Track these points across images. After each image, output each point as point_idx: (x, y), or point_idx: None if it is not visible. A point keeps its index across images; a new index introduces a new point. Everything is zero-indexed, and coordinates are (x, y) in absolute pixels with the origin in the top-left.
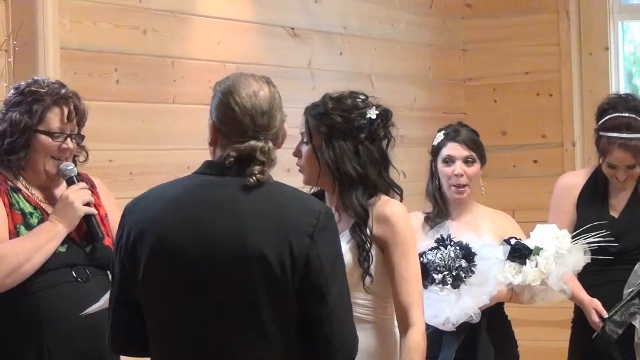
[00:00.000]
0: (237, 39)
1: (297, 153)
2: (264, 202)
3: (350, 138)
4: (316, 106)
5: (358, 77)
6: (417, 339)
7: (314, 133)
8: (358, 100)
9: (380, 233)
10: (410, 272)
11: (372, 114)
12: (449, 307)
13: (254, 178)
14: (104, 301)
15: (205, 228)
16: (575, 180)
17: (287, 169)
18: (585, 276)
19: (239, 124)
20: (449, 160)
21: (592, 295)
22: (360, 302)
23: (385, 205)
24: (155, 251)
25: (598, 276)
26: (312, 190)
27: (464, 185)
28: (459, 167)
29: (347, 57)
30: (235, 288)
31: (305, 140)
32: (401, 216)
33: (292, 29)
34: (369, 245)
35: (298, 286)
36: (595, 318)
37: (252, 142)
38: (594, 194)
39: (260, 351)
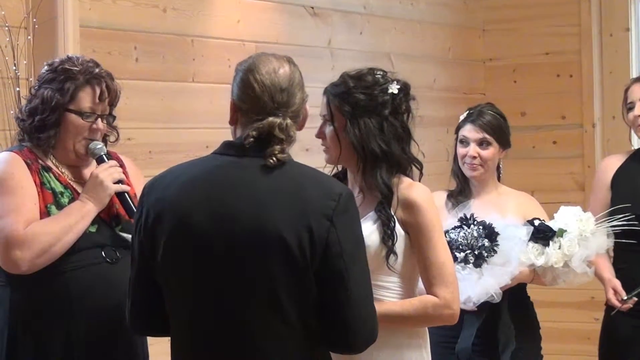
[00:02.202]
0: (257, 17)
1: (321, 134)
2: (283, 183)
3: (374, 115)
4: (337, 86)
5: (378, 56)
6: (437, 302)
7: (337, 113)
8: (378, 76)
9: (405, 217)
10: (437, 255)
11: (394, 88)
12: (471, 286)
13: (274, 159)
14: None
15: (225, 209)
16: (612, 160)
17: (306, 149)
18: (621, 255)
19: (258, 101)
20: (464, 141)
21: (624, 275)
22: (385, 285)
23: (410, 189)
24: (174, 231)
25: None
26: (333, 171)
27: (477, 164)
28: (472, 149)
29: (367, 36)
30: (254, 269)
31: (328, 121)
32: (426, 200)
33: (312, 8)
34: (393, 223)
35: (318, 269)
36: (611, 296)
37: (271, 119)
38: (630, 172)
39: (279, 331)
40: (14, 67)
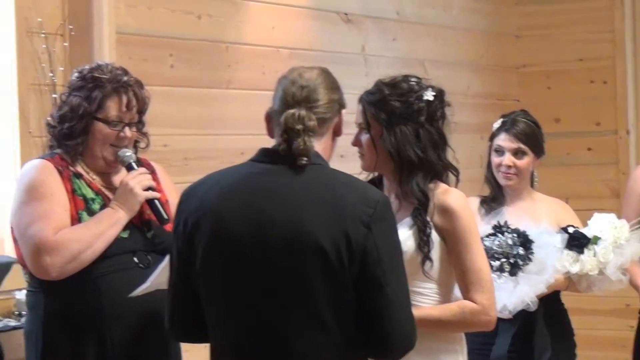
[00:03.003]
0: (291, 24)
1: (357, 142)
2: (320, 190)
3: (410, 122)
4: (372, 94)
5: (411, 63)
6: (475, 308)
7: (373, 121)
8: (413, 83)
9: (441, 223)
10: (474, 261)
11: (429, 95)
12: (506, 295)
13: (301, 156)
14: (150, 282)
15: (262, 217)
16: None
17: (341, 155)
18: None
19: (281, 102)
20: (499, 151)
21: None
22: (421, 291)
23: (446, 195)
24: (212, 239)
25: None
26: (369, 177)
27: (512, 173)
28: (507, 158)
29: (401, 42)
30: (291, 277)
31: (364, 129)
32: (463, 207)
33: (346, 14)
34: (429, 230)
35: (355, 276)
36: None
37: (288, 111)
38: None
39: (317, 340)
40: (51, 74)
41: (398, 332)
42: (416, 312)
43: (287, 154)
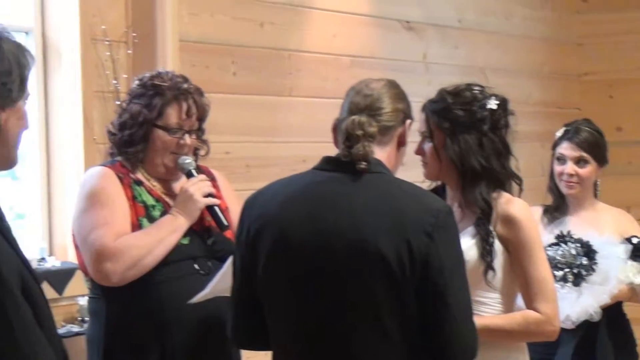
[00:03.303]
0: (352, 32)
1: (420, 151)
2: (381, 198)
3: (473, 131)
4: (435, 102)
5: (472, 71)
6: (539, 318)
7: (436, 130)
8: (476, 91)
9: (504, 233)
10: (538, 271)
11: (492, 104)
12: (569, 305)
13: (360, 162)
14: (209, 289)
15: (323, 224)
16: None
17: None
18: None
19: (347, 112)
20: (562, 159)
21: None
22: (484, 300)
23: (509, 204)
24: (274, 247)
25: None
26: (431, 186)
27: (574, 182)
28: (569, 167)
29: (462, 50)
30: (353, 285)
31: (427, 137)
32: (526, 216)
33: (407, 22)
34: (492, 239)
35: (417, 285)
36: None
37: (349, 118)
38: None
39: (379, 348)
40: (114, 81)
41: (460, 341)
42: (480, 321)
43: (348, 161)
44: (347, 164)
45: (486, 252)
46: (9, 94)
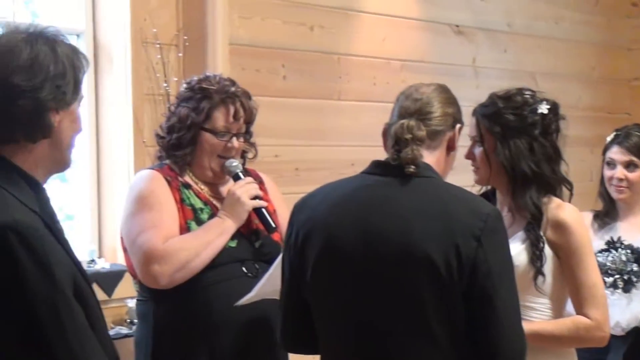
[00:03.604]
0: (402, 35)
1: (470, 155)
2: (430, 202)
3: (524, 135)
4: (486, 107)
5: (522, 75)
6: (589, 324)
7: (486, 134)
8: (527, 96)
9: (554, 238)
10: (588, 276)
11: (544, 108)
12: (620, 311)
13: (408, 166)
14: (256, 292)
15: (371, 228)
16: None
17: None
18: None
19: (396, 116)
20: (611, 164)
21: None
22: (533, 305)
23: (560, 210)
24: (323, 251)
25: None
26: (481, 191)
27: (624, 186)
28: (619, 171)
29: (512, 55)
30: (401, 289)
31: (477, 142)
32: (577, 222)
33: (457, 26)
34: (542, 244)
35: (465, 289)
36: None
37: (398, 122)
38: None
39: (426, 352)
40: (165, 84)
41: (508, 347)
42: (529, 327)
43: (397, 165)
44: (396, 168)
45: (536, 257)
46: (63, 97)
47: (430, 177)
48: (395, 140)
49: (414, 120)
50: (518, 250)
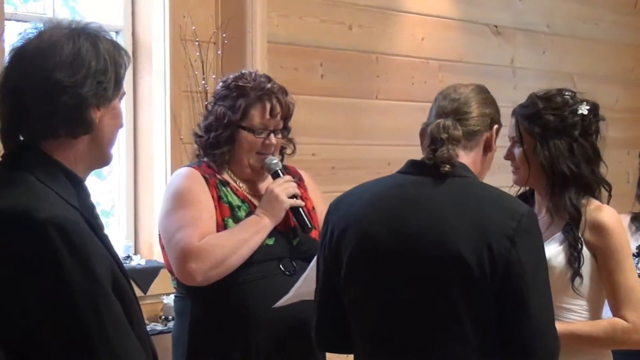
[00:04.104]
0: (440, 35)
1: (510, 156)
2: (463, 202)
3: (564, 136)
4: (526, 107)
5: (560, 76)
6: (626, 326)
7: (526, 135)
8: (567, 97)
9: (593, 240)
10: (626, 278)
11: (584, 109)
12: None
13: (444, 165)
14: (293, 293)
15: (404, 227)
16: None
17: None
18: None
19: (434, 116)
20: None
21: None
22: (570, 307)
23: (599, 212)
24: (357, 249)
25: None
26: (519, 192)
27: None
28: None
29: (550, 55)
30: (432, 287)
31: (517, 142)
32: (615, 224)
33: (496, 26)
34: (580, 245)
35: (498, 289)
36: None
37: (434, 121)
38: None
39: (457, 351)
40: (203, 82)
41: (540, 348)
42: (566, 327)
43: (432, 164)
44: (432, 167)
45: (574, 258)
46: (104, 93)
47: (465, 177)
48: (432, 139)
49: (451, 120)
50: (556, 251)
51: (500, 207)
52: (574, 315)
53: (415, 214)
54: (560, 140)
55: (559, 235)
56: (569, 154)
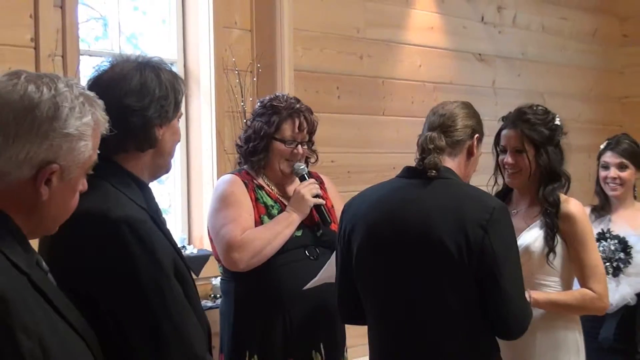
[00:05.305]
0: (434, 62)
1: (513, 163)
2: (446, 199)
3: (551, 143)
4: (525, 121)
5: (533, 94)
6: (593, 295)
7: (528, 144)
8: (548, 111)
9: (563, 227)
10: (590, 258)
11: (557, 121)
12: (611, 293)
13: (429, 170)
14: (317, 278)
15: (400, 221)
16: None
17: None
18: None
19: (425, 129)
20: (605, 166)
21: None
22: (546, 283)
23: (568, 204)
24: (363, 241)
25: None
26: (499, 190)
27: (617, 184)
28: (612, 172)
29: (525, 78)
30: (422, 269)
31: (518, 151)
32: (581, 212)
33: (479, 54)
34: (556, 228)
35: (476, 271)
36: None
37: (424, 134)
38: None
39: (446, 322)
40: (242, 104)
41: (512, 318)
42: (546, 296)
43: (422, 169)
44: (422, 172)
45: (550, 237)
46: (165, 114)
47: (448, 179)
48: (421, 149)
49: (437, 133)
50: (536, 235)
51: (477, 202)
52: (549, 290)
53: (408, 210)
54: (550, 147)
55: (538, 222)
56: (557, 157)
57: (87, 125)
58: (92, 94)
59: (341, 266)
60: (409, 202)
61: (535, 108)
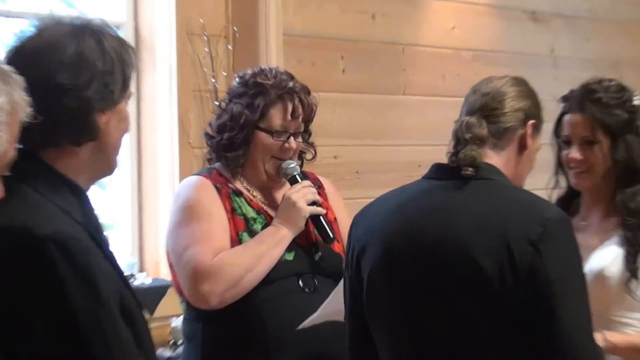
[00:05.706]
0: (473, 23)
1: (579, 159)
2: (485, 207)
3: (632, 129)
4: (594, 103)
5: (605, 64)
6: None
7: (600, 132)
8: (625, 87)
9: None
10: None
11: (637, 99)
12: None
13: (465, 168)
14: (318, 313)
15: (425, 237)
16: None
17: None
18: None
19: (462, 113)
20: None
21: None
22: (627, 321)
23: None
24: (376, 265)
25: None
26: (551, 195)
27: None
28: None
29: (595, 43)
30: (452, 300)
31: (588, 142)
32: None
33: (533, 12)
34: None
35: (522, 297)
36: None
37: (459, 120)
38: None
39: (479, 354)
40: (213, 80)
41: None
42: (623, 338)
43: (455, 167)
44: (455, 171)
45: (632, 258)
46: (110, 95)
47: (491, 180)
48: (456, 140)
49: (476, 118)
50: (612, 256)
51: (527, 211)
52: (631, 331)
53: (434, 224)
54: (630, 135)
55: (615, 238)
56: (639, 149)
57: None
58: (8, 67)
59: (350, 300)
60: (436, 212)
61: (607, 84)
